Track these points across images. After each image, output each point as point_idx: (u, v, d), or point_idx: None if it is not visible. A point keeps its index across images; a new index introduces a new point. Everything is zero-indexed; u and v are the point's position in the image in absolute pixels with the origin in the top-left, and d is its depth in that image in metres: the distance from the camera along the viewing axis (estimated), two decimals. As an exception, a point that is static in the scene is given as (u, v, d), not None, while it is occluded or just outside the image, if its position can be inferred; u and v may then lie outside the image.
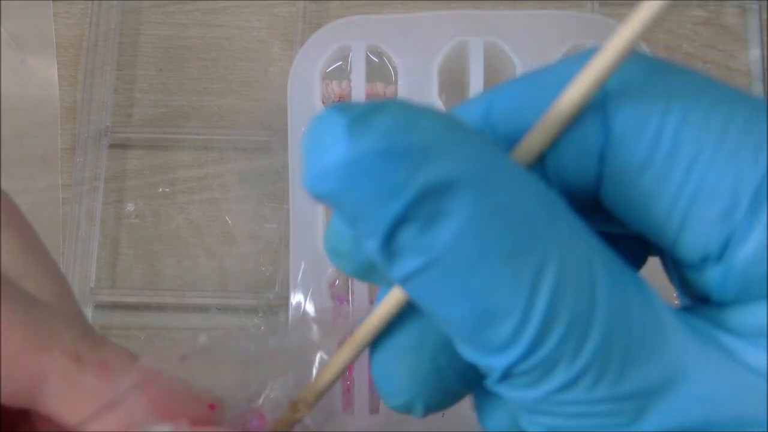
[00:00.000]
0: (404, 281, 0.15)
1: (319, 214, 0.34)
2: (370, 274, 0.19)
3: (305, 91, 0.35)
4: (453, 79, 0.36)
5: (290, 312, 0.33)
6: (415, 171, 0.14)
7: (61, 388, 0.17)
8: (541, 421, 0.16)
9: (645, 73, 0.16)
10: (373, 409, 0.32)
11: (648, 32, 0.15)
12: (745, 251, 0.15)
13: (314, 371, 0.25)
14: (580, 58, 0.16)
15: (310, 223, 0.34)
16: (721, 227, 0.15)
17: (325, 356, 0.29)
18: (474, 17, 0.35)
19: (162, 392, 0.18)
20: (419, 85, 0.35)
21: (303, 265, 0.33)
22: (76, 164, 0.36)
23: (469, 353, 0.16)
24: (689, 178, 0.15)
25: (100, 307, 0.35)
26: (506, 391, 0.16)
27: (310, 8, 0.38)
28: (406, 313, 0.19)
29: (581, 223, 0.16)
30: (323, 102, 0.35)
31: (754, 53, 0.37)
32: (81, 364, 0.18)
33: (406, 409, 0.20)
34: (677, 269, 0.17)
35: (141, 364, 0.18)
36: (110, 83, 0.37)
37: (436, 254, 0.15)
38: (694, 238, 0.16)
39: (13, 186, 0.36)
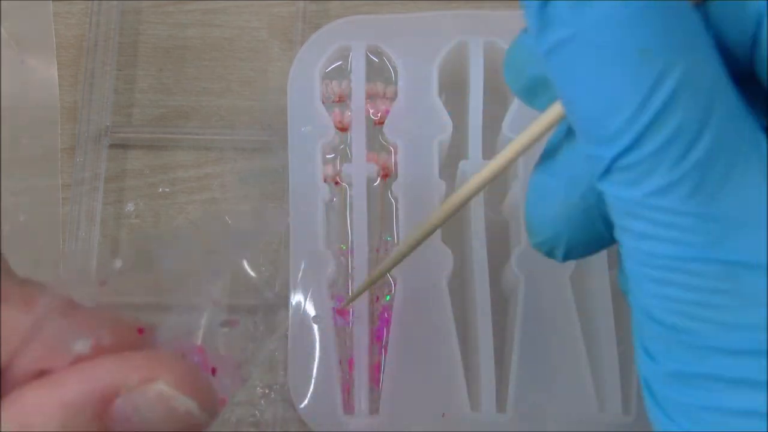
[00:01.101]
0: (548, 53, 0.17)
1: (319, 214, 0.34)
2: (533, 92, 0.20)
3: (305, 91, 0.35)
4: (453, 79, 0.36)
5: (290, 312, 0.33)
6: None
7: None
8: (632, 225, 0.17)
9: None
10: (373, 409, 0.32)
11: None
12: None
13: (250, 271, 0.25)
14: None
15: (310, 223, 0.34)
16: None
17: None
18: (474, 17, 0.36)
19: (85, 316, 0.18)
20: (419, 85, 0.35)
21: (303, 265, 0.33)
22: (76, 164, 0.36)
23: (585, 142, 0.17)
24: None
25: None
26: (609, 187, 0.17)
27: (310, 8, 0.38)
28: (562, 147, 0.20)
29: (718, 55, 0.17)
30: (323, 102, 0.35)
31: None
32: (7, 303, 0.18)
33: (550, 246, 0.21)
34: None
35: (59, 291, 0.18)
36: (110, 83, 0.37)
37: (581, 28, 0.16)
38: None
39: (13, 186, 0.36)
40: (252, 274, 0.22)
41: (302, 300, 0.33)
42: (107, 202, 0.36)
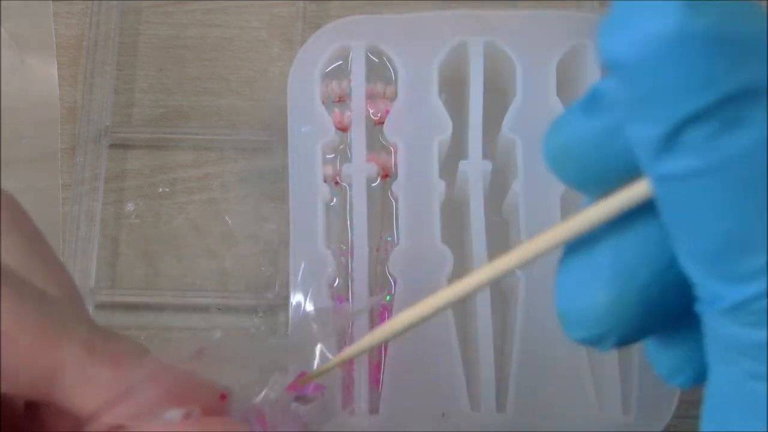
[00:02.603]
0: (667, 179, 0.14)
1: (319, 214, 0.34)
2: (593, 183, 0.16)
3: (305, 91, 0.35)
4: (453, 79, 0.36)
5: (290, 312, 0.33)
6: (737, 67, 0.13)
7: (75, 379, 0.18)
8: (747, 365, 0.15)
9: None
10: (373, 409, 0.32)
11: None
12: None
13: (315, 364, 0.25)
14: None
15: (310, 223, 0.34)
16: None
17: (326, 352, 0.30)
18: (474, 17, 0.35)
19: (173, 382, 0.18)
20: (419, 85, 0.35)
21: (303, 265, 0.33)
22: (76, 164, 0.36)
23: (703, 275, 0.15)
24: None
25: (100, 307, 0.35)
26: (727, 325, 0.15)
27: (310, 8, 0.38)
28: (618, 228, 0.16)
29: None
30: (323, 102, 0.35)
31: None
32: (94, 356, 0.18)
33: (593, 343, 0.17)
34: None
35: (153, 356, 0.19)
36: (110, 83, 0.37)
37: (719, 162, 0.14)
38: None
39: (13, 186, 0.36)
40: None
41: (302, 300, 0.33)
42: (107, 202, 0.36)
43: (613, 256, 0.16)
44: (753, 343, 0.15)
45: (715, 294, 0.15)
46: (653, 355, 0.18)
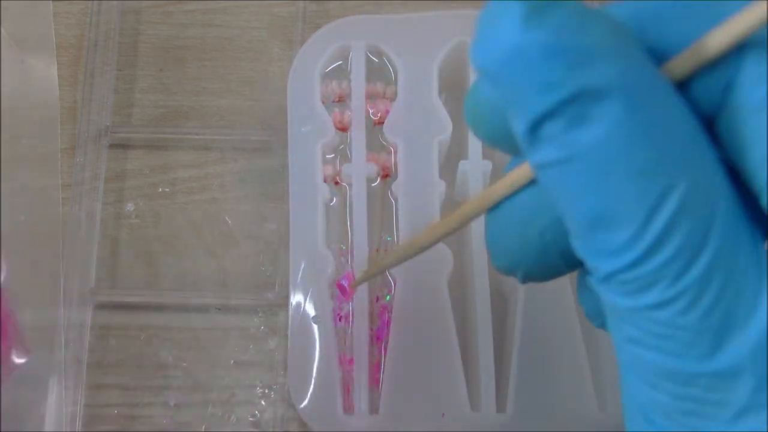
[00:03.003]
0: (539, 167, 0.16)
1: (319, 214, 0.34)
2: (501, 141, 0.20)
3: (305, 91, 0.35)
4: (453, 79, 0.36)
5: (290, 312, 0.33)
6: (574, 71, 0.15)
7: None
8: (625, 329, 0.17)
9: None
10: (373, 409, 0.32)
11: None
12: None
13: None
14: None
15: (310, 223, 0.34)
16: None
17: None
18: (474, 17, 0.35)
19: None
20: (419, 85, 0.35)
21: (303, 265, 0.33)
22: (76, 164, 0.36)
23: (580, 249, 0.17)
24: None
25: (100, 307, 0.35)
26: (604, 292, 0.17)
27: (310, 8, 0.38)
28: (526, 185, 0.20)
29: (716, 157, 0.16)
30: (323, 102, 0.35)
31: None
32: None
33: (508, 272, 0.21)
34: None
35: None
36: (110, 83, 0.37)
37: (574, 152, 0.16)
38: None
39: (13, 186, 0.36)
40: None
41: (302, 300, 0.33)
42: (107, 202, 0.36)
43: (519, 205, 0.20)
44: (626, 309, 0.17)
45: (591, 266, 0.17)
46: (580, 296, 0.21)
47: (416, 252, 0.24)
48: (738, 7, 0.16)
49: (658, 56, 0.17)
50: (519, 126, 0.16)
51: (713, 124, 0.17)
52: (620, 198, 0.16)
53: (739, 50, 0.16)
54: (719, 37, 0.16)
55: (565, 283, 0.33)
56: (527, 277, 0.21)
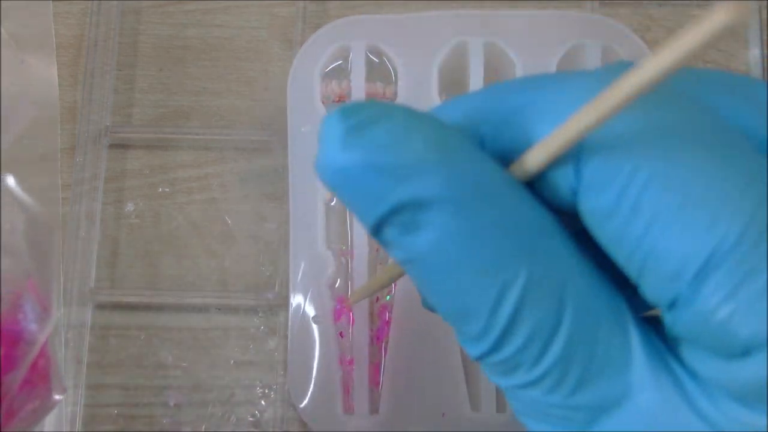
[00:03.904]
0: (400, 261, 0.17)
1: (318, 214, 0.34)
2: None
3: (305, 91, 0.35)
4: (453, 79, 0.36)
5: (290, 312, 0.33)
6: (394, 186, 0.16)
7: None
8: (511, 402, 0.18)
9: (632, 118, 0.16)
10: (373, 409, 0.32)
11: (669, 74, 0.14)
12: (688, 317, 0.16)
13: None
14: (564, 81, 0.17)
15: (310, 223, 0.34)
16: (670, 288, 0.16)
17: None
18: (474, 17, 0.36)
19: None
20: (419, 85, 0.35)
21: (303, 265, 0.33)
22: (76, 164, 0.36)
23: (456, 335, 0.18)
24: (647, 235, 0.16)
25: (100, 307, 0.35)
26: (483, 370, 0.18)
27: (310, 8, 0.38)
28: None
29: (566, 242, 0.17)
30: (323, 102, 0.35)
31: (754, 53, 0.37)
32: None
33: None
34: None
35: None
36: (110, 83, 0.37)
37: (414, 256, 0.17)
38: (649, 289, 0.16)
39: (13, 186, 0.36)
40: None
41: (302, 300, 0.33)
42: (107, 202, 0.36)
43: None
44: (504, 387, 0.18)
45: (467, 350, 0.18)
46: None
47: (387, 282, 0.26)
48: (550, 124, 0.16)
49: (500, 147, 0.18)
50: (367, 227, 0.17)
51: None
52: (466, 294, 0.17)
53: (576, 155, 0.16)
54: (535, 157, 0.17)
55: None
56: None
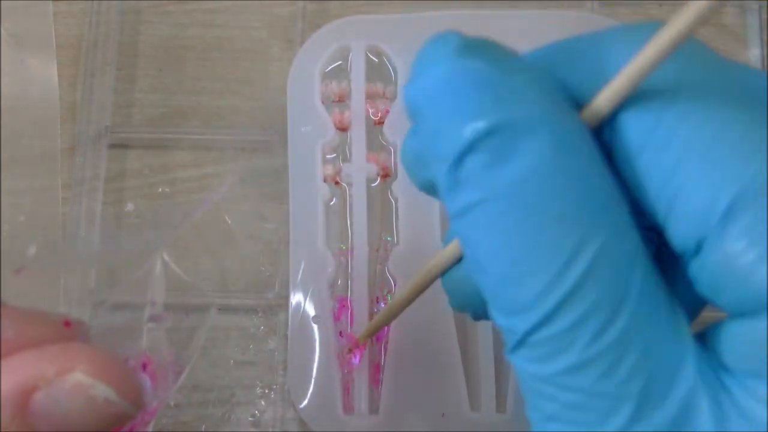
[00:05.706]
0: (458, 214, 0.16)
1: (319, 214, 0.34)
2: (431, 191, 0.20)
3: (305, 91, 0.35)
4: (453, 79, 0.36)
5: (290, 312, 0.33)
6: (501, 103, 0.15)
7: None
8: (542, 406, 0.16)
9: (663, 71, 0.16)
10: (373, 409, 0.32)
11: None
12: (713, 262, 0.15)
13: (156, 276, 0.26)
14: (630, 32, 0.17)
15: (310, 223, 0.34)
16: (697, 227, 0.15)
17: (166, 257, 0.30)
18: (474, 17, 0.36)
19: (8, 311, 0.18)
20: (419, 85, 0.35)
21: (303, 265, 0.33)
22: (75, 164, 0.36)
23: (493, 314, 0.17)
24: (677, 168, 0.15)
25: (100, 307, 0.35)
26: (519, 362, 0.16)
27: (310, 8, 0.38)
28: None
29: (635, 226, 0.16)
30: (323, 102, 0.35)
31: (754, 53, 0.37)
32: None
33: (461, 311, 0.23)
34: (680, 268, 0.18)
35: None
36: (110, 83, 0.37)
37: (495, 192, 0.15)
38: (677, 232, 0.16)
39: (13, 186, 0.36)
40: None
41: (302, 300, 0.33)
42: (107, 202, 0.36)
43: (461, 272, 0.21)
44: (541, 378, 0.16)
45: (505, 331, 0.17)
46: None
47: (397, 312, 0.27)
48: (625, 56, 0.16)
49: (578, 79, 0.17)
50: (440, 168, 0.16)
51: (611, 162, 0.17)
52: (534, 245, 0.15)
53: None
54: (606, 96, 0.16)
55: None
56: (477, 317, 0.22)
